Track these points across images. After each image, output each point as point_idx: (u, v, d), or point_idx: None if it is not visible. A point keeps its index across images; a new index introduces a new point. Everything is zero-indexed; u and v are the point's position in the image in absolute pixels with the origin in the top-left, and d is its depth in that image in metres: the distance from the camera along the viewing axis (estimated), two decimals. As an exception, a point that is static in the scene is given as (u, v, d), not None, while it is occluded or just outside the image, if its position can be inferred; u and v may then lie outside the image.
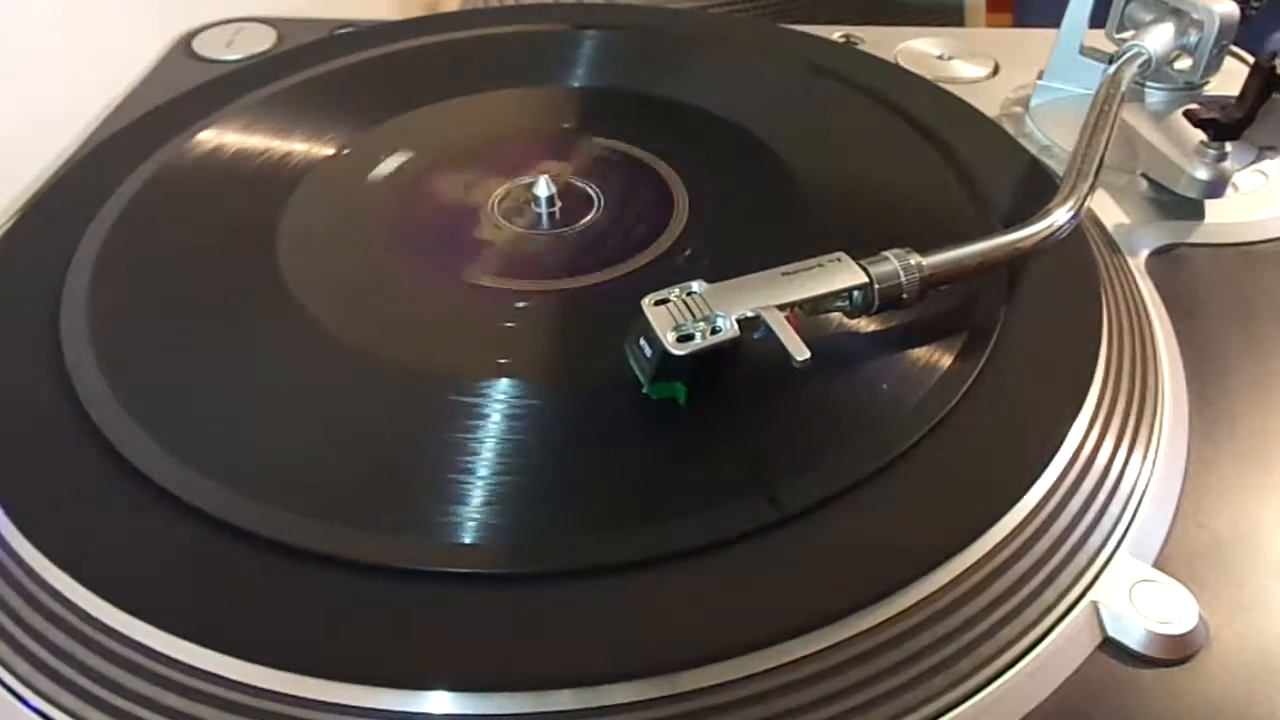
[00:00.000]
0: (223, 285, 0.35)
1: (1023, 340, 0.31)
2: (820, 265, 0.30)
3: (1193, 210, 0.40)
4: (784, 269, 0.29)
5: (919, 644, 0.25)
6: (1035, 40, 0.50)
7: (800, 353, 0.27)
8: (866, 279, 0.30)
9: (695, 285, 0.29)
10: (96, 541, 0.27)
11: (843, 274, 0.30)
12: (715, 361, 0.28)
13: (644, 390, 0.29)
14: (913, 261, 0.30)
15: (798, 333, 0.27)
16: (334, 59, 0.46)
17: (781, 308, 0.28)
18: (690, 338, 0.28)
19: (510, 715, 0.24)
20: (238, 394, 0.31)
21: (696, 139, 0.41)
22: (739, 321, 0.28)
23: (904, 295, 0.30)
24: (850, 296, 0.30)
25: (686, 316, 0.28)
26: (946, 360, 0.30)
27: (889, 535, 0.26)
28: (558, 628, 0.25)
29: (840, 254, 0.30)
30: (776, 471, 0.27)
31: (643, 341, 0.28)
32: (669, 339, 0.28)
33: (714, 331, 0.28)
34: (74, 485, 0.28)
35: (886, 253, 0.30)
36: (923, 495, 0.27)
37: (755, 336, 0.28)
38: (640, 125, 0.41)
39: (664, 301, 0.29)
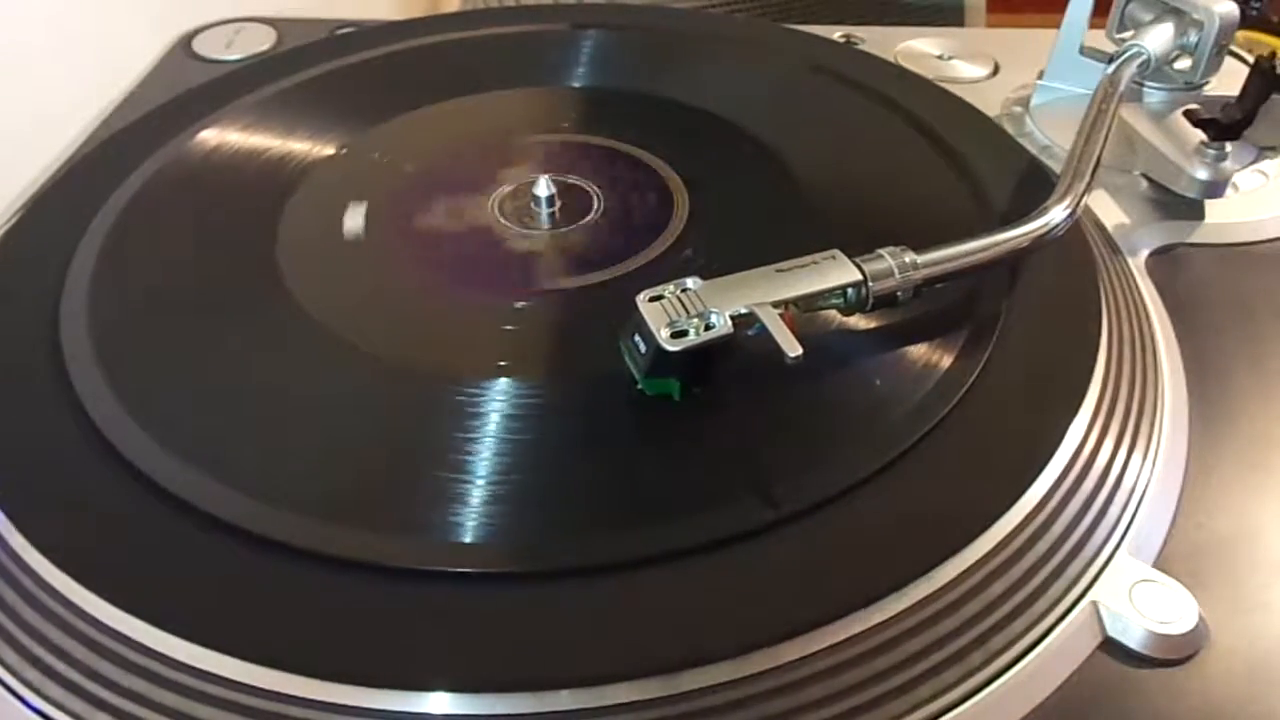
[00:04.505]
0: (223, 285, 0.35)
1: (1023, 340, 0.31)
2: (815, 262, 0.30)
3: (1193, 210, 0.40)
4: (778, 265, 0.29)
5: (919, 644, 0.25)
6: (1035, 40, 0.50)
7: (793, 349, 0.27)
8: (860, 276, 0.30)
9: (690, 282, 0.29)
10: (96, 541, 0.27)
11: (837, 271, 0.30)
12: (709, 358, 0.28)
13: (638, 386, 0.29)
14: (907, 259, 0.30)
15: (792, 330, 0.27)
16: (334, 59, 0.46)
17: (776, 305, 0.28)
18: (684, 334, 0.28)
19: (510, 715, 0.24)
20: (238, 394, 0.31)
21: (696, 139, 0.41)
22: (733, 318, 0.28)
23: (899, 293, 0.30)
24: (844, 294, 0.30)
25: (681, 313, 0.28)
26: (946, 360, 0.30)
27: (888, 535, 0.26)
28: (558, 628, 0.25)
29: (835, 251, 0.30)
30: (775, 471, 0.27)
31: (637, 337, 0.28)
32: (663, 335, 0.28)
33: (708, 328, 0.28)
34: (74, 485, 0.28)
35: (881, 250, 0.30)
36: (922, 495, 0.27)
37: (749, 333, 0.28)
38: (640, 125, 0.41)
39: (658, 298, 0.29)
